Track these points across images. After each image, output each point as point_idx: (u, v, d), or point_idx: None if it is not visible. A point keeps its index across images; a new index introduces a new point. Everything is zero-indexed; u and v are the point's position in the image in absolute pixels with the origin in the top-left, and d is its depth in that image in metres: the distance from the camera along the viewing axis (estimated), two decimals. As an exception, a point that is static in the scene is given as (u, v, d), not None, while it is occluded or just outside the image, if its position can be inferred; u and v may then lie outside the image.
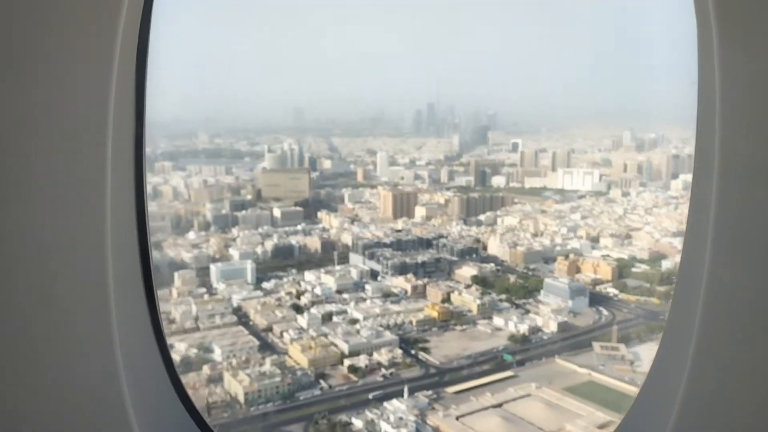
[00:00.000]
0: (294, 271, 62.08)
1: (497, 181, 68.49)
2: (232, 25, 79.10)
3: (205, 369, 52.23)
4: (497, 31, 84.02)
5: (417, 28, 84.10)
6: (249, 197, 65.44)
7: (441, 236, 62.85)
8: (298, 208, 66.34)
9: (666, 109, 62.17)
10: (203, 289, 58.99)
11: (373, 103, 74.51)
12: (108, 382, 5.04)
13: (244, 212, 62.79)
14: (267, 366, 48.30)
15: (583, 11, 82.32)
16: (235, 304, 58.10)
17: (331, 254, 64.12)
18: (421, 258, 60.82)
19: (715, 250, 4.33)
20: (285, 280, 61.35)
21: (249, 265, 61.15)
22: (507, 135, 71.42)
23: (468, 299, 50.84)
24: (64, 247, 4.89)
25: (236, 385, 49.56)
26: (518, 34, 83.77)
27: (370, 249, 63.23)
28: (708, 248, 4.32)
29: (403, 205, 67.40)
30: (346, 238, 64.82)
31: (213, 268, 59.90)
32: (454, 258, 60.12)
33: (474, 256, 56.77)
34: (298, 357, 48.24)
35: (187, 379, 51.48)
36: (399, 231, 65.34)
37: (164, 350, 6.03)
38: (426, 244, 62.97)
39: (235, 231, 62.99)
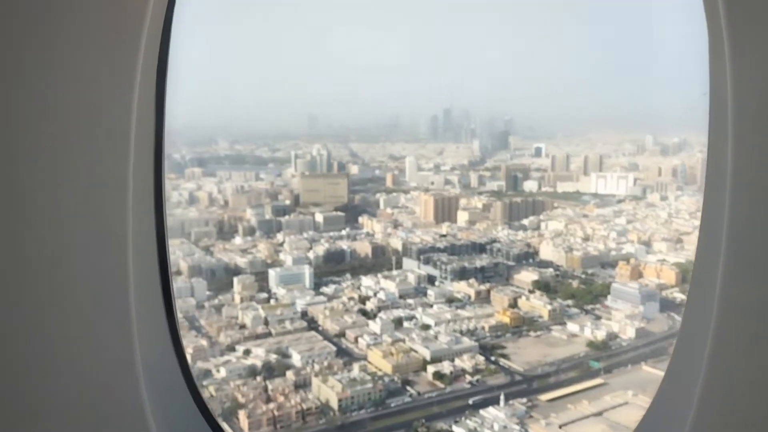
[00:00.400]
0: (348, 275, 62.81)
1: (529, 185, 69.48)
2: (245, 33, 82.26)
3: (289, 375, 52.71)
4: (509, 37, 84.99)
5: (428, 34, 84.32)
6: (287, 202, 66.70)
7: (494, 241, 63.31)
8: (340, 213, 67.03)
9: (682, 114, 63.19)
10: (264, 294, 59.68)
11: (386, 110, 74.68)
12: (126, 384, 5.17)
13: (287, 217, 63.79)
14: (356, 372, 48.58)
15: (594, 16, 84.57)
16: (299, 309, 59.04)
17: (381, 259, 64.81)
18: (479, 263, 61.55)
19: (728, 256, 4.36)
20: (343, 285, 62.09)
21: (307, 270, 61.81)
22: (524, 140, 72.61)
23: (537, 304, 50.98)
24: (85, 251, 5.01)
25: (327, 391, 50.12)
26: (530, 39, 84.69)
27: (425, 254, 63.76)
28: (722, 255, 4.34)
29: (445, 210, 68.06)
30: (395, 243, 64.90)
31: (271, 273, 60.41)
32: (511, 263, 61.32)
33: (530, 260, 56.95)
34: (381, 363, 48.25)
35: (274, 385, 51.95)
36: (444, 235, 65.88)
37: (180, 353, 6.18)
38: (479, 248, 63.44)
39: (280, 236, 64.11)
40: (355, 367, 49.50)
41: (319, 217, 65.56)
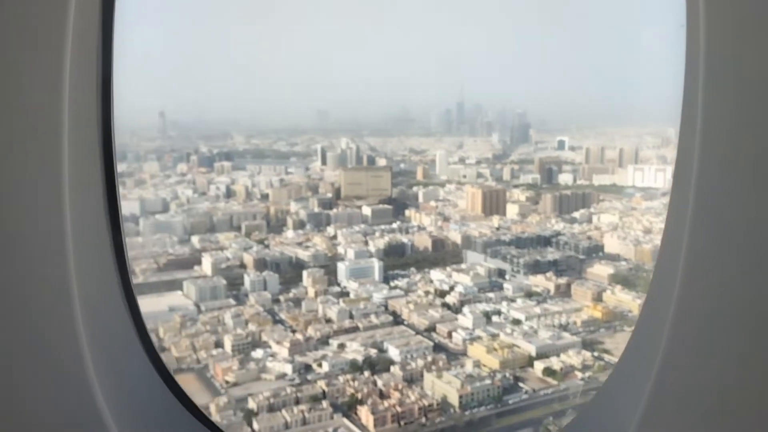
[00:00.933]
0: (413, 269, 62.32)
1: (564, 178, 69.30)
2: (247, 27, 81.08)
3: (395, 370, 52.14)
4: (515, 30, 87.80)
5: (435, 29, 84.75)
6: (329, 195, 66.81)
7: (558, 234, 63.70)
8: (387, 206, 66.87)
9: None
10: (336, 288, 59.39)
11: (395, 104, 75.44)
12: (62, 320, 4.80)
13: (335, 210, 64.97)
14: (468, 367, 50.44)
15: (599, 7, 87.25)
16: (378, 303, 58.47)
17: (441, 252, 64.34)
18: (551, 256, 61.52)
19: (692, 242, 4.47)
20: (412, 278, 61.62)
21: (376, 264, 61.43)
22: (539, 133, 72.90)
23: (624, 298, 50.32)
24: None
25: (443, 387, 49.35)
26: (536, 32, 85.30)
27: (491, 247, 63.35)
28: (685, 241, 4.45)
29: (493, 202, 67.68)
30: (454, 236, 64.86)
31: (340, 266, 60.34)
32: (581, 256, 61.60)
33: (600, 254, 56.35)
34: (486, 359, 47.95)
35: (384, 380, 51.18)
36: (498, 228, 65.65)
37: (129, 294, 5.88)
38: (544, 241, 63.69)
39: (330, 229, 64.15)
40: (467, 363, 49.74)
41: (366, 210, 65.66)
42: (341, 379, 50.88)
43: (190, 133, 67.79)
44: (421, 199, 68.26)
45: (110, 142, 5.24)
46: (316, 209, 64.63)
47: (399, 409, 47.52)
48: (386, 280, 60.07)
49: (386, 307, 57.28)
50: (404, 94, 76.81)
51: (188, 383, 49.27)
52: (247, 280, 56.35)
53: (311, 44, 79.97)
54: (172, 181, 62.03)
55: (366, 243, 62.72)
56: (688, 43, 4.40)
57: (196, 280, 54.43)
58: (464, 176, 69.77)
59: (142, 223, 57.88)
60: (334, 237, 63.31)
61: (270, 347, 52.90)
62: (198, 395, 49.01)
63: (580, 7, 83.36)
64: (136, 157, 61.87)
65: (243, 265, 57.34)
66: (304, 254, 60.38)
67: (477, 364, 48.33)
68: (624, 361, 5.58)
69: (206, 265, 56.26)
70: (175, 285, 54.63)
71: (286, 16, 79.54)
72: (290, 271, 59.06)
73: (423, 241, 63.53)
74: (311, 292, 57.69)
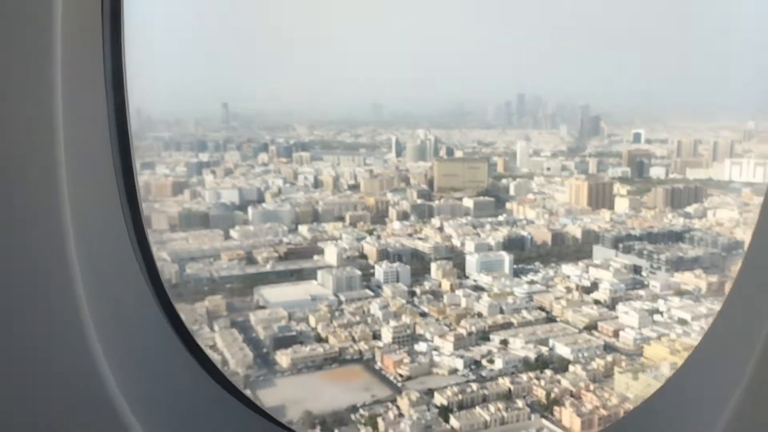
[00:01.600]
0: (537, 263, 59.50)
1: (656, 172, 66.72)
2: (297, 19, 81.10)
3: (576, 369, 49.29)
4: (569, 22, 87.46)
5: (487, 18, 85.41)
6: (424, 187, 65.08)
7: (691, 229, 60.80)
8: (489, 199, 64.77)
9: (753, 100, 63.20)
10: (468, 281, 56.85)
11: (448, 97, 75.20)
12: (54, 254, 4.23)
13: (437, 202, 63.33)
14: (664, 369, 47.05)
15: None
16: (519, 297, 55.62)
17: (561, 246, 61.26)
18: (691, 252, 57.42)
19: None
20: (545, 273, 58.84)
21: (506, 258, 58.54)
22: (609, 126, 71.59)
23: None
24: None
25: (639, 388, 46.74)
26: (592, 25, 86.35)
27: (622, 242, 59.95)
28: None
29: (599, 196, 64.56)
30: (574, 231, 61.67)
31: (469, 259, 57.73)
32: (722, 252, 57.81)
33: (740, 250, 53.03)
34: (673, 359, 46.00)
35: (569, 380, 48.66)
36: (615, 223, 62.56)
37: (142, 238, 5.23)
38: (676, 237, 60.67)
39: (435, 221, 62.03)
40: (661, 364, 47.58)
41: (468, 203, 63.64)
42: (524, 377, 48.39)
43: (251, 124, 68.69)
44: (512, 191, 65.97)
45: (125, 119, 4.89)
46: (417, 200, 63.45)
47: (605, 411, 44.79)
48: (516, 274, 57.56)
49: (531, 300, 55.43)
50: (458, 87, 76.65)
51: (357, 375, 48.58)
52: (379, 271, 55.80)
53: (363, 37, 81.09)
54: (258, 171, 62.85)
55: (478, 235, 60.47)
56: None
57: (331, 270, 54.31)
58: (548, 168, 67.67)
59: (250, 212, 58.65)
60: (441, 228, 61.47)
61: (430, 340, 51.02)
62: (375, 388, 47.88)
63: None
64: (215, 146, 63.92)
65: (363, 256, 57.03)
66: (424, 246, 59.22)
67: (674, 366, 43.92)
68: (720, 324, 4.55)
69: (330, 255, 56.47)
70: (303, 274, 55.01)
71: (337, 9, 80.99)
72: (414, 263, 57.91)
73: (541, 235, 60.69)
74: (446, 285, 55.76)
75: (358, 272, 54.64)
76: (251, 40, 77.81)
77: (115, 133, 4.75)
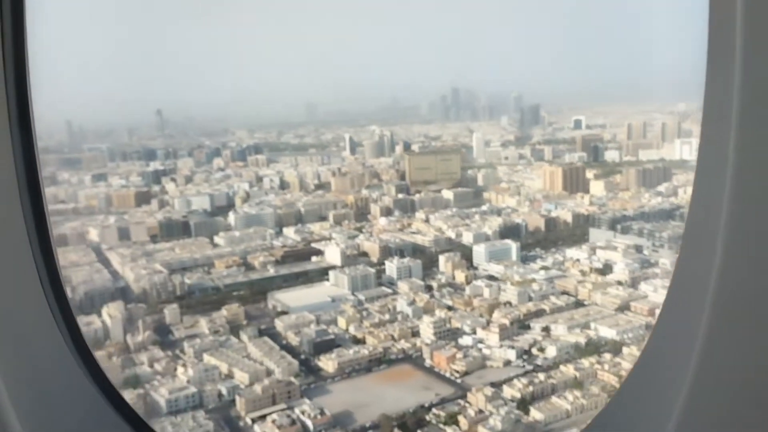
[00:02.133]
0: (539, 249, 58.08)
1: (611, 155, 66.19)
2: (230, 20, 78.86)
3: (631, 351, 47.79)
4: (489, 15, 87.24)
5: (418, 16, 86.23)
6: (397, 181, 63.77)
7: (679, 207, 59.45)
8: (467, 190, 63.54)
9: (679, 81, 63.57)
10: (480, 271, 55.31)
11: (381, 94, 73.90)
12: None
13: (418, 196, 61.96)
14: None
15: None
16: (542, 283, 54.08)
17: (555, 231, 59.99)
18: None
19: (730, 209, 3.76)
20: (552, 257, 57.39)
21: (513, 246, 56.89)
22: (545, 114, 71.79)
23: None
24: None
25: None
26: (511, 16, 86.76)
27: (620, 223, 58.73)
28: (724, 207, 3.77)
29: (573, 181, 63.38)
30: (564, 216, 60.33)
31: (477, 249, 56.14)
32: None
33: None
34: None
35: (629, 363, 46.59)
36: (598, 205, 61.97)
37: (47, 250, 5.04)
38: (666, 215, 59.52)
39: (419, 214, 60.60)
40: None
41: (448, 194, 62.42)
42: (585, 363, 46.42)
43: (187, 131, 66.73)
44: (480, 181, 64.90)
45: (30, 140, 4.86)
46: (397, 195, 62.26)
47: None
48: (524, 261, 55.97)
49: (553, 286, 53.76)
50: (389, 84, 74.34)
51: (410, 375, 46.57)
52: (390, 267, 54.08)
53: (289, 37, 78.98)
54: (218, 176, 61.62)
55: (467, 226, 59.09)
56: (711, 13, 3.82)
57: (344, 270, 53.22)
58: (506, 158, 66.98)
59: (232, 218, 57.53)
60: (427, 221, 60.17)
61: (472, 333, 48.90)
62: (435, 386, 45.70)
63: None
64: (165, 154, 62.42)
65: (364, 253, 55.83)
66: (423, 240, 57.81)
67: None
68: (660, 331, 4.72)
69: (332, 255, 55.42)
70: (309, 276, 54.09)
71: (263, 10, 78.39)
72: (418, 257, 56.19)
73: (534, 222, 59.42)
74: (460, 277, 54.05)
75: (372, 270, 53.13)
76: (175, 45, 75.55)
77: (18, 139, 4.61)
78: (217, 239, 55.54)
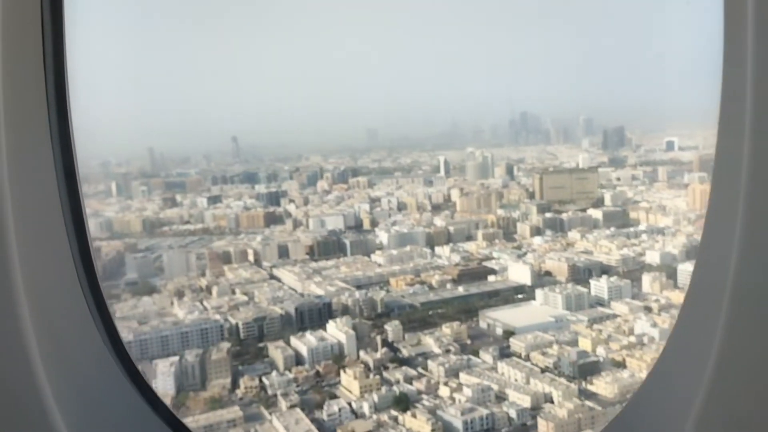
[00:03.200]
0: None
1: None
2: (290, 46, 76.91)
3: None
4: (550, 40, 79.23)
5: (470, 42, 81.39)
6: (534, 201, 58.80)
7: None
8: (616, 208, 58.43)
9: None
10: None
11: (438, 120, 70.09)
12: None
13: (567, 215, 57.27)
14: None
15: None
16: None
17: None
18: None
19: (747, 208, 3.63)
20: None
21: None
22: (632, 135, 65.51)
23: None
24: None
25: None
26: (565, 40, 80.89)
27: None
28: (741, 204, 3.62)
29: None
30: None
31: (681, 267, 49.92)
32: None
33: None
34: None
35: None
36: None
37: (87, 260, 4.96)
38: None
39: (573, 234, 55.91)
40: None
41: (597, 214, 57.63)
42: None
43: (260, 156, 63.94)
44: (608, 201, 59.20)
45: (68, 137, 4.75)
46: (546, 215, 57.55)
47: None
48: None
49: None
50: (449, 109, 70.60)
51: None
52: (600, 287, 49.40)
53: (351, 63, 77.95)
54: (330, 198, 59.39)
55: (635, 245, 54.47)
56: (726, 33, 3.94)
57: (553, 288, 49.51)
58: (618, 179, 61.35)
59: (384, 237, 55.06)
60: (582, 239, 55.53)
61: None
62: None
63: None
64: (267, 177, 60.93)
65: (548, 272, 51.59)
66: (608, 259, 52.99)
67: None
68: (678, 335, 4.62)
69: (517, 273, 51.30)
70: (501, 295, 50.59)
71: (325, 36, 77.21)
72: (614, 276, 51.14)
73: None
74: (675, 296, 48.36)
75: (584, 290, 48.90)
76: (233, 73, 76.40)
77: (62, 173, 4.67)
78: (374, 257, 53.03)
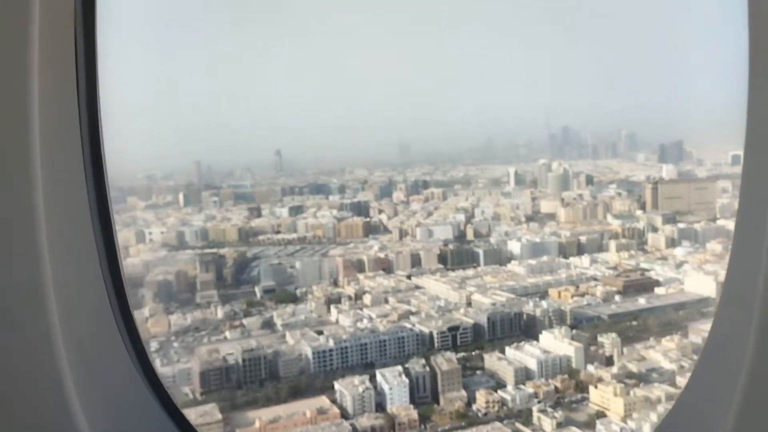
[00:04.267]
0: None
1: None
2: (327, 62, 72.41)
3: None
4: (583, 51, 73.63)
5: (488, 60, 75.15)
6: (638, 212, 56.23)
7: None
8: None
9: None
10: None
11: (471, 135, 66.75)
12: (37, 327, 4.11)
13: (680, 225, 54.34)
14: None
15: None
16: None
17: None
18: None
19: None
20: None
21: None
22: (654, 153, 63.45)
23: None
24: None
25: None
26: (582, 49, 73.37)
27: None
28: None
29: None
30: None
31: None
32: None
33: None
34: None
35: None
36: None
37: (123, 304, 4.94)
38: None
39: (712, 245, 52.09)
40: None
41: (729, 225, 52.43)
42: None
43: (304, 170, 62.77)
44: (727, 211, 55.23)
45: (98, 146, 4.87)
46: (676, 225, 54.74)
47: None
48: None
49: None
50: (474, 123, 68.33)
51: None
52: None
53: (383, 78, 73.58)
54: (415, 208, 57.67)
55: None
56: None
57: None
58: (724, 190, 58.45)
59: (517, 248, 52.72)
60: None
61: None
62: None
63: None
64: (339, 188, 60.43)
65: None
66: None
67: None
68: (712, 343, 4.72)
69: (696, 285, 48.21)
70: (688, 308, 47.39)
71: (355, 49, 73.92)
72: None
73: None
74: None
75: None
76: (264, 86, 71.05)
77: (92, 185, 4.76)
78: (510, 267, 50.73)
